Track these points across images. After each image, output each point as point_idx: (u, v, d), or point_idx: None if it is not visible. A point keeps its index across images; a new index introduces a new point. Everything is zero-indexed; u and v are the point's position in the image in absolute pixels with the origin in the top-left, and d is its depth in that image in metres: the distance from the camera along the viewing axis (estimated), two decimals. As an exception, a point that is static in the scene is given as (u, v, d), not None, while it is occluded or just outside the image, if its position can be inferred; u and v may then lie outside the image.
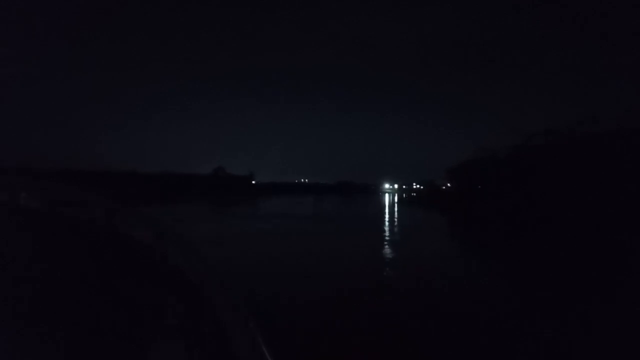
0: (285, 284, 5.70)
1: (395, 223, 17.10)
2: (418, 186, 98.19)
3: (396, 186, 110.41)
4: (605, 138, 18.74)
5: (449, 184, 71.42)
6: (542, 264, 7.79)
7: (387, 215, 21.46)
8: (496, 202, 22.54)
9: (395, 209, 29.15)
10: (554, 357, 3.42)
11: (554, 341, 3.70)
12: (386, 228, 14.71)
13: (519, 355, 3.43)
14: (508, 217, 18.31)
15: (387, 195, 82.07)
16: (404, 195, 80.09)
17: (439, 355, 3.38)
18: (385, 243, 10.42)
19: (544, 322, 4.22)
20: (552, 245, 10.59)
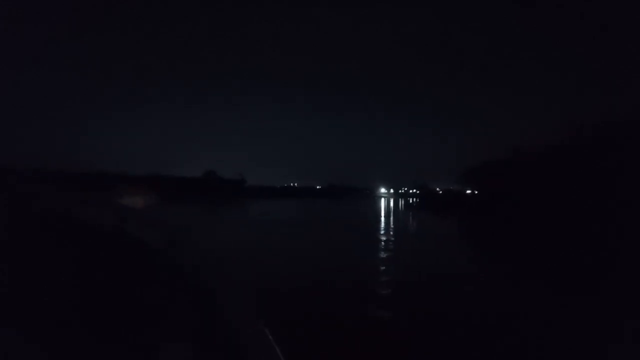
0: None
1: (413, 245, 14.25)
2: (414, 190, 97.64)
3: (392, 190, 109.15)
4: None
5: (438, 189, 71.56)
6: None
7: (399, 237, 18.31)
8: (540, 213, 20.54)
9: (407, 221, 24.51)
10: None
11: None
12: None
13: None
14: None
15: (383, 199, 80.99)
16: (400, 199, 79.06)
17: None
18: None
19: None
20: None
